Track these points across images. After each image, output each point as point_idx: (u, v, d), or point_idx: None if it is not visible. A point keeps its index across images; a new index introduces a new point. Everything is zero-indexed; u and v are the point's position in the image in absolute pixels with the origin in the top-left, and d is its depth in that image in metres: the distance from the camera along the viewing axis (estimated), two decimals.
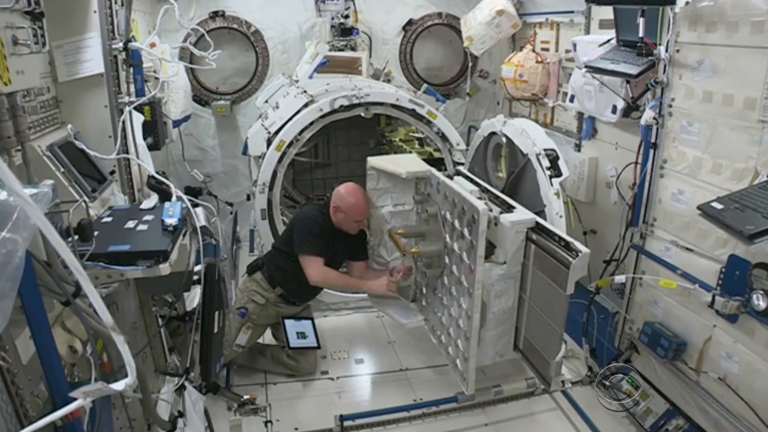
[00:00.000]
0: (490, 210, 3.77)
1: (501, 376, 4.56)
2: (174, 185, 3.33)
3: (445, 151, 5.56)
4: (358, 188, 4.56)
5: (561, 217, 4.22)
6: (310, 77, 5.81)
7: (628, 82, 4.44)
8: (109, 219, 2.82)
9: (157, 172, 3.49)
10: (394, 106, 5.30)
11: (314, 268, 4.44)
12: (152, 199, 3.20)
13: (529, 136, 4.52)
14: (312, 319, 4.92)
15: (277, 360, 4.83)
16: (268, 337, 4.98)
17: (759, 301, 3.17)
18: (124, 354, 1.58)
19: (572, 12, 5.54)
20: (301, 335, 4.74)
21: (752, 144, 3.33)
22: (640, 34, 3.97)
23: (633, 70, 4.10)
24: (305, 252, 4.43)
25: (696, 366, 3.78)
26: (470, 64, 7.15)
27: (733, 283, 3.39)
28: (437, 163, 5.43)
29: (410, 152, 5.99)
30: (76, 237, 2.17)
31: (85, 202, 2.42)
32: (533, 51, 6.09)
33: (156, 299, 3.87)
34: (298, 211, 4.87)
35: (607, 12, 4.71)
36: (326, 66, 6.01)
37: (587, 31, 5.27)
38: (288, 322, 4.72)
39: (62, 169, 2.85)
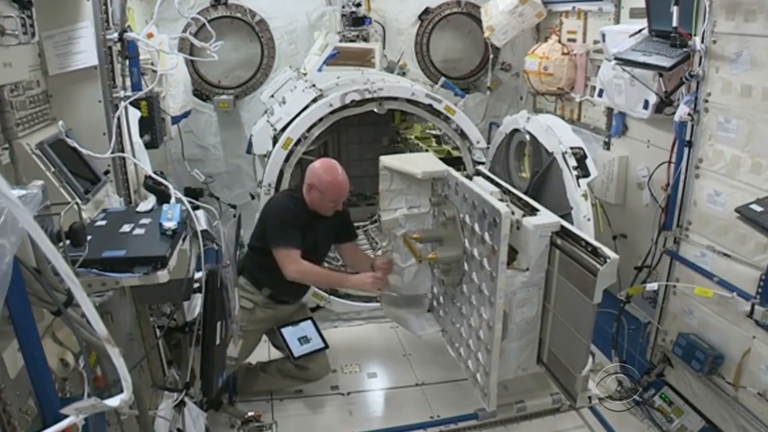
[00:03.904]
0: (513, 213, 3.74)
1: (524, 391, 4.51)
2: (173, 186, 3.32)
3: (464, 149, 5.55)
4: (336, 166, 4.41)
5: (589, 220, 4.19)
6: (319, 70, 5.80)
7: (660, 75, 4.41)
8: (103, 222, 2.83)
9: (154, 172, 3.49)
10: (409, 101, 5.30)
11: (289, 262, 4.25)
12: (149, 201, 3.20)
13: (555, 133, 4.49)
14: (311, 318, 4.81)
15: (284, 373, 4.71)
16: (273, 353, 4.94)
17: None
18: (119, 367, 1.57)
19: (601, 0, 5.51)
20: (304, 340, 4.61)
21: None
22: (674, 24, 3.94)
23: (666, 63, 4.07)
24: (279, 245, 4.27)
25: (734, 380, 3.76)
26: (491, 56, 7.14)
27: None
28: (455, 163, 5.43)
29: (426, 151, 5.98)
30: (68, 242, 2.17)
31: (77, 204, 2.42)
32: (559, 42, 6.07)
33: (153, 309, 3.88)
34: (267, 201, 4.77)
35: (638, 0, 4.69)
36: (336, 58, 6.00)
37: (617, 21, 5.25)
38: (286, 331, 4.58)
39: (53, 169, 2.86)
